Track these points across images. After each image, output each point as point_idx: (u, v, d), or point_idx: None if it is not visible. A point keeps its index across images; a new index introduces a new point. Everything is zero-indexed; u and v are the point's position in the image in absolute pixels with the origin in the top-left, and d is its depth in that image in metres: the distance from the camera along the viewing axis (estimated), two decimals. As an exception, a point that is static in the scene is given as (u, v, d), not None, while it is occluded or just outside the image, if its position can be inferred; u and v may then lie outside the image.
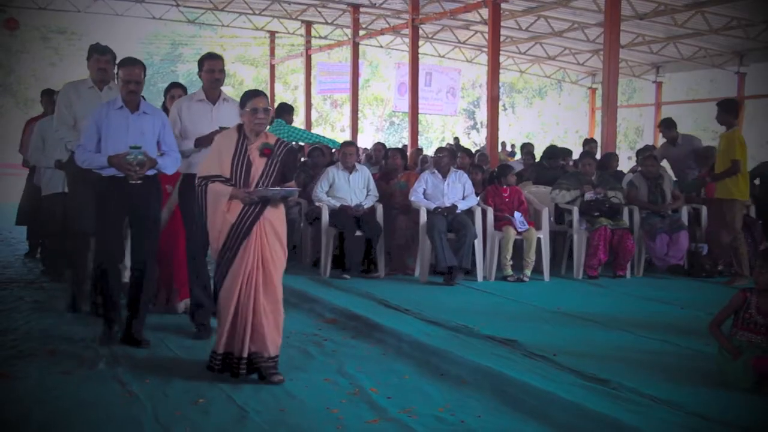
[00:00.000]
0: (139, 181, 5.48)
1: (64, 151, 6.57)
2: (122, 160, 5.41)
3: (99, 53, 6.42)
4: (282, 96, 31.41)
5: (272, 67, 25.64)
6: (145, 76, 5.68)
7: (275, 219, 4.91)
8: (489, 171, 10.70)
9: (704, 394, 4.53)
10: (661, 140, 11.00)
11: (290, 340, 5.79)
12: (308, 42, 22.65)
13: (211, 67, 5.98)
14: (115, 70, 7.23)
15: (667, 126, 10.42)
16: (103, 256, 5.72)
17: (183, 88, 6.90)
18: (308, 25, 22.27)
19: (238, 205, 4.82)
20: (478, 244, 8.54)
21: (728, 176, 8.45)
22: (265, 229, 4.85)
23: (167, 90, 6.94)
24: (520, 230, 8.63)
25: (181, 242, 6.41)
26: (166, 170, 5.70)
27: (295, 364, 5.24)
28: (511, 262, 8.64)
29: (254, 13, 21.04)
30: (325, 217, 8.62)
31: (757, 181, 10.59)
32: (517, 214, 8.70)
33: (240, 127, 4.98)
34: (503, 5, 14.41)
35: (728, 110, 8.56)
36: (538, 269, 8.72)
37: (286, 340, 5.67)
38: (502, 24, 14.81)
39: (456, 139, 22.89)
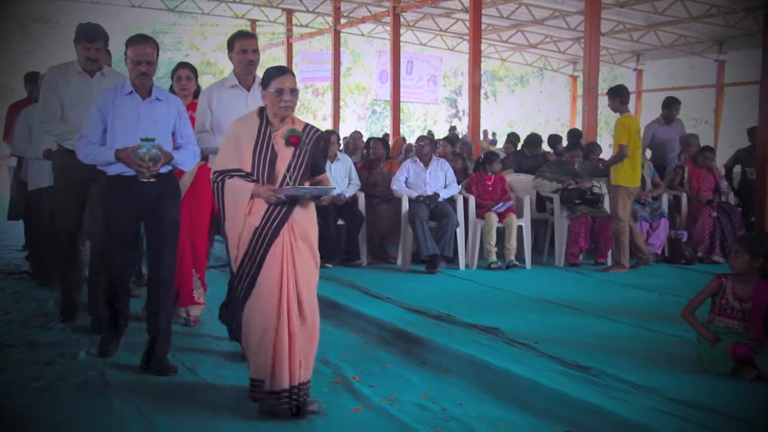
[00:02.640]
0: (152, 180, 4.69)
1: (53, 141, 5.81)
2: (132, 155, 4.62)
3: (87, 41, 5.52)
4: (263, 84, 31.27)
5: (253, 56, 25.49)
6: (158, 55, 4.86)
7: (306, 221, 4.20)
8: (475, 160, 10.66)
9: (684, 380, 4.57)
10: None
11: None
12: (289, 30, 22.58)
13: (244, 46, 5.19)
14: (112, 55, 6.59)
15: (672, 104, 10.41)
16: (111, 274, 4.95)
17: (191, 69, 6.08)
18: (289, 13, 22.17)
19: (261, 205, 4.11)
20: (460, 232, 8.56)
21: (615, 162, 8.44)
22: (294, 234, 4.14)
23: (174, 71, 6.06)
24: (499, 212, 8.64)
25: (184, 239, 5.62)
26: (183, 166, 4.96)
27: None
28: (495, 249, 8.66)
29: (235, 1, 20.91)
30: (307, 206, 8.58)
31: (737, 168, 10.66)
32: (499, 205, 8.73)
33: (261, 111, 4.26)
34: (484, -7, 14.42)
35: (614, 96, 8.56)
36: (519, 257, 8.74)
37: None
38: (484, 12, 14.78)
39: (453, 128, 22.85)
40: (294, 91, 4.18)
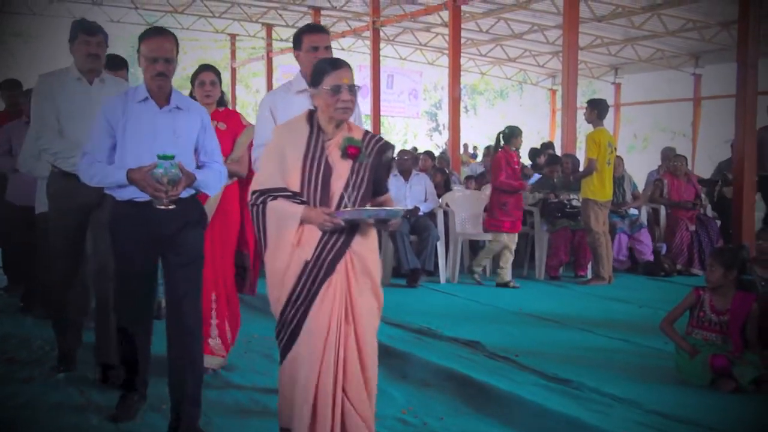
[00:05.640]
0: (171, 207, 3.79)
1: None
2: (147, 176, 3.71)
3: (87, 33, 4.68)
4: (244, 99, 31.29)
5: (233, 71, 25.50)
6: (177, 53, 3.97)
7: (366, 253, 3.45)
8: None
9: (663, 392, 4.60)
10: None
11: (252, 345, 5.76)
12: (269, 45, 22.59)
13: (314, 43, 4.21)
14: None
15: None
16: (125, 318, 4.08)
17: (216, 72, 5.23)
18: (269, 27, 22.19)
19: (314, 233, 3.33)
20: (440, 246, 8.57)
21: (585, 176, 8.51)
22: (353, 269, 3.39)
23: (195, 75, 5.22)
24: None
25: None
26: (208, 189, 4.02)
27: (259, 369, 5.20)
28: (480, 269, 8.66)
29: (214, 16, 20.94)
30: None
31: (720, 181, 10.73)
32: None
33: (311, 116, 3.45)
34: (463, 7, 14.49)
35: (593, 108, 8.58)
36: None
37: (248, 345, 5.69)
38: (463, 26, 14.86)
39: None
40: (353, 89, 3.37)
